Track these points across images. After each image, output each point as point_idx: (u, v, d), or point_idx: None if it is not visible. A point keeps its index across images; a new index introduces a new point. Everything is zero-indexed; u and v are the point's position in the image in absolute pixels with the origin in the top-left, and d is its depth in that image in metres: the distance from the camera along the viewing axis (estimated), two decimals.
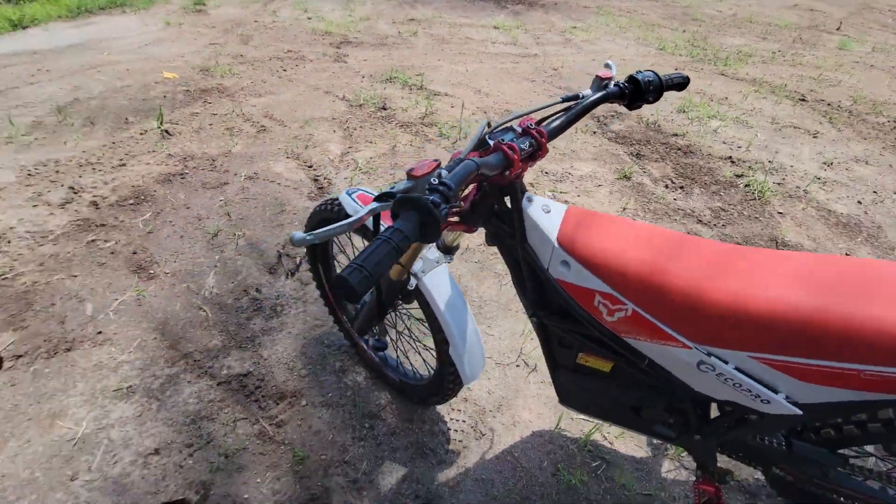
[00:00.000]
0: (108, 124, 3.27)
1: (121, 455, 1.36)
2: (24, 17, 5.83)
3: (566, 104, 0.95)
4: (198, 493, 1.28)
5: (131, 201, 2.43)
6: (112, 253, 2.10)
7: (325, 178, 2.72)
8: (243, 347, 1.71)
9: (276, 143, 3.10)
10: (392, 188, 0.68)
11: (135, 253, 2.11)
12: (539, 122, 0.86)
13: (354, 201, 1.17)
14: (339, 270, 1.55)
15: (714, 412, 0.99)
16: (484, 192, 0.86)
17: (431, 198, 0.60)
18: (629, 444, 1.45)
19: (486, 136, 0.77)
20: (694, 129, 3.47)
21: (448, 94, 3.95)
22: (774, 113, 3.81)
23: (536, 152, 0.80)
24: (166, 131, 3.18)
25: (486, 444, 1.43)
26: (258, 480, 1.32)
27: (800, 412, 0.80)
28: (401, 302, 1.29)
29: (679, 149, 3.19)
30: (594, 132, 3.40)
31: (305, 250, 1.52)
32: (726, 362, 0.80)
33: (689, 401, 0.96)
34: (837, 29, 6.56)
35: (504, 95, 3.94)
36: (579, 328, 0.92)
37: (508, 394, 1.58)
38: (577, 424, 1.49)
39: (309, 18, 6.56)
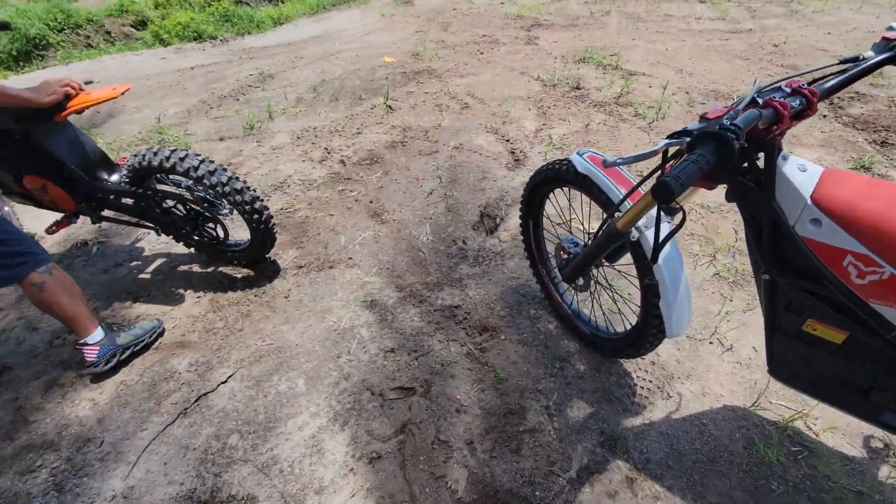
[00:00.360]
0: (347, 100, 4.00)
1: (368, 347, 1.79)
2: (281, 15, 7.31)
3: (843, 66, 0.95)
4: (422, 387, 1.63)
5: (367, 161, 3.00)
6: (356, 200, 2.65)
7: (520, 152, 2.95)
8: (453, 286, 2.04)
9: (477, 118, 3.43)
10: (686, 128, 0.83)
11: (371, 202, 2.62)
12: (811, 83, 0.90)
13: (585, 161, 1.33)
14: (550, 227, 1.75)
15: None
16: (718, 145, 0.93)
17: (727, 133, 0.73)
18: (839, 439, 1.36)
19: (756, 95, 0.85)
20: None
21: (645, 73, 3.82)
22: None
23: (805, 111, 0.85)
24: (389, 107, 3.76)
25: (673, 406, 1.50)
26: (467, 388, 1.62)
27: None
28: (605, 262, 1.42)
29: None
30: (824, 115, 2.96)
31: (521, 205, 1.75)
32: None
33: None
34: None
35: (710, 75, 3.65)
36: (819, 288, 0.94)
37: (699, 367, 1.61)
38: (777, 409, 1.45)
39: (502, 3, 6.85)
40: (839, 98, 3.13)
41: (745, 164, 0.94)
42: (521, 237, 1.87)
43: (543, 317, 1.85)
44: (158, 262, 2.32)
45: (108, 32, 7.15)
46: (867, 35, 4.23)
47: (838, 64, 0.96)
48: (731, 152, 0.73)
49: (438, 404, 1.57)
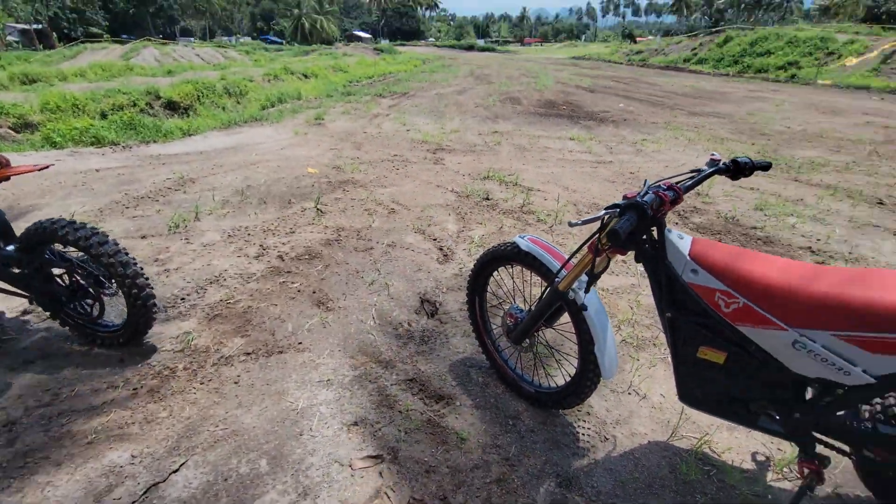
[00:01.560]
0: (276, 204, 4.21)
1: (330, 423, 1.83)
2: (190, 126, 7.53)
3: (692, 174, 1.47)
4: (389, 454, 1.70)
5: (306, 257, 3.15)
6: (299, 291, 2.75)
7: (448, 248, 3.34)
8: (404, 363, 2.20)
9: (404, 221, 3.83)
10: (616, 203, 1.23)
11: (314, 292, 2.75)
12: (677, 184, 1.38)
13: (528, 242, 1.71)
14: (490, 305, 2.04)
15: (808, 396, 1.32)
16: (633, 223, 1.35)
17: (643, 204, 1.12)
18: (735, 456, 1.71)
19: (648, 189, 1.30)
20: (772, 224, 3.82)
21: (540, 189, 4.64)
22: (852, 213, 4.09)
23: (677, 200, 1.31)
24: (320, 210, 4.03)
25: (610, 447, 1.75)
26: (433, 450, 1.72)
27: (874, 380, 1.14)
28: (544, 325, 1.75)
29: (759, 239, 3.54)
30: (675, 223, 3.85)
31: (468, 285, 2.05)
32: (814, 341, 1.17)
33: (788, 383, 1.30)
34: None
35: (589, 192, 4.56)
36: (702, 321, 1.33)
37: (624, 413, 1.91)
38: (688, 439, 1.78)
39: (408, 130, 7.84)
40: (683, 211, 4.10)
41: (645, 236, 1.36)
42: (468, 314, 2.14)
43: (491, 383, 2.06)
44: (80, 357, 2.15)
45: None
46: (691, 167, 5.65)
47: (689, 173, 1.48)
48: (645, 216, 1.12)
49: (408, 468, 1.64)
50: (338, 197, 4.43)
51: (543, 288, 1.69)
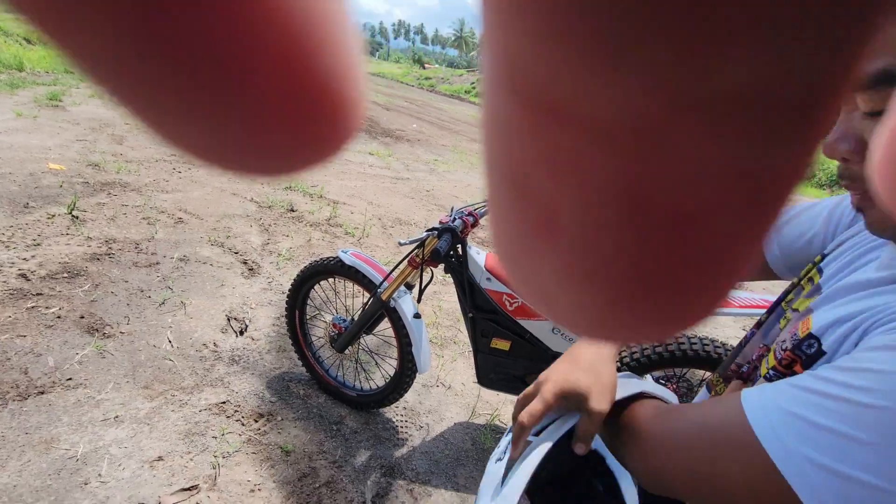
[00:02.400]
0: (4, 207, 3.26)
1: (126, 463, 1.59)
2: None
3: (485, 202, 1.84)
4: (206, 482, 1.59)
5: (64, 275, 2.57)
6: (58, 317, 2.24)
7: (253, 262, 3.18)
8: (214, 385, 2.04)
9: (196, 232, 3.46)
10: (434, 226, 1.45)
11: (82, 317, 2.28)
12: (476, 209, 1.72)
13: (350, 256, 1.83)
14: (308, 318, 2.09)
15: None
16: (450, 242, 1.63)
17: (455, 227, 1.38)
18: None
19: (455, 214, 1.59)
20: None
21: (345, 202, 4.78)
22: None
23: (475, 223, 1.64)
24: (76, 217, 3.31)
25: (425, 433, 2.01)
26: (256, 469, 1.68)
27: None
28: (364, 336, 1.91)
29: None
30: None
31: (288, 298, 2.04)
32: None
33: (550, 360, 1.76)
34: None
35: (392, 207, 4.92)
36: (494, 317, 1.69)
37: (433, 402, 2.20)
38: (483, 416, 2.17)
39: None
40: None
41: (452, 252, 1.66)
42: (286, 328, 2.13)
43: (313, 394, 2.10)
44: None
45: None
46: (476, 188, 6.60)
47: (483, 201, 1.86)
48: (457, 237, 1.40)
49: (231, 491, 1.57)
50: (102, 202, 3.69)
51: (366, 298, 1.85)
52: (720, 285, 0.09)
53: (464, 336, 2.75)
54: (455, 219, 1.57)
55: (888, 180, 0.13)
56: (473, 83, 29.78)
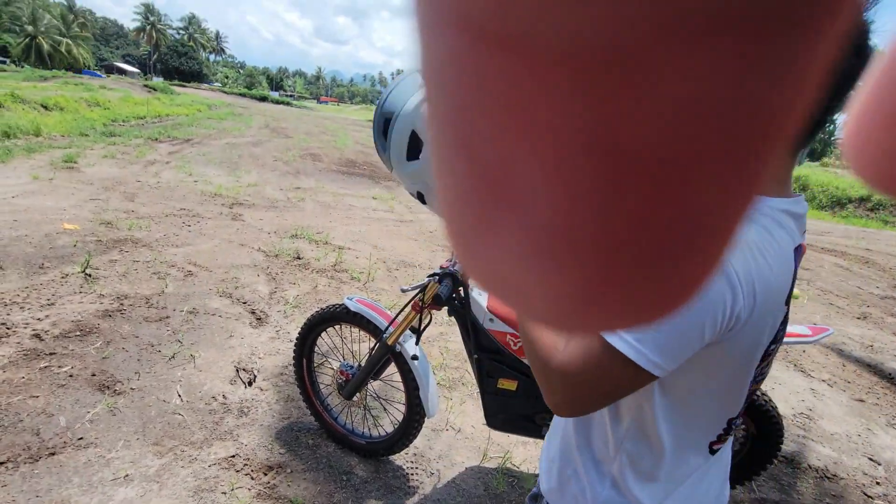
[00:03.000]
0: (21, 269, 3.36)
1: None
2: None
3: None
4: None
5: (77, 333, 2.62)
6: (70, 376, 2.27)
7: (261, 311, 3.22)
8: (223, 439, 2.04)
9: (206, 284, 3.53)
10: (435, 271, 1.49)
11: (94, 375, 2.31)
12: None
13: (356, 303, 1.87)
14: (315, 365, 2.11)
15: None
16: (451, 287, 1.67)
17: (455, 272, 1.42)
18: (529, 466, 2.13)
19: (454, 259, 1.63)
20: None
21: (350, 248, 4.85)
22: None
23: None
24: (89, 275, 3.39)
25: (436, 479, 1.98)
26: None
27: None
28: (372, 381, 1.92)
29: None
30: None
31: (295, 347, 2.07)
32: None
33: None
34: None
35: (397, 250, 4.99)
36: (499, 358, 1.70)
37: (444, 447, 2.17)
38: (495, 460, 2.13)
39: (195, 181, 7.20)
40: None
41: (454, 294, 1.69)
42: (294, 377, 2.15)
43: (322, 443, 2.08)
44: None
45: None
46: None
47: None
48: (458, 282, 1.44)
49: None
50: (114, 259, 3.79)
51: (373, 344, 1.87)
52: (714, 247, 0.07)
53: (472, 377, 2.73)
54: (455, 262, 1.61)
55: (854, 150, 0.14)
56: None
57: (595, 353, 0.58)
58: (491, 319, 1.67)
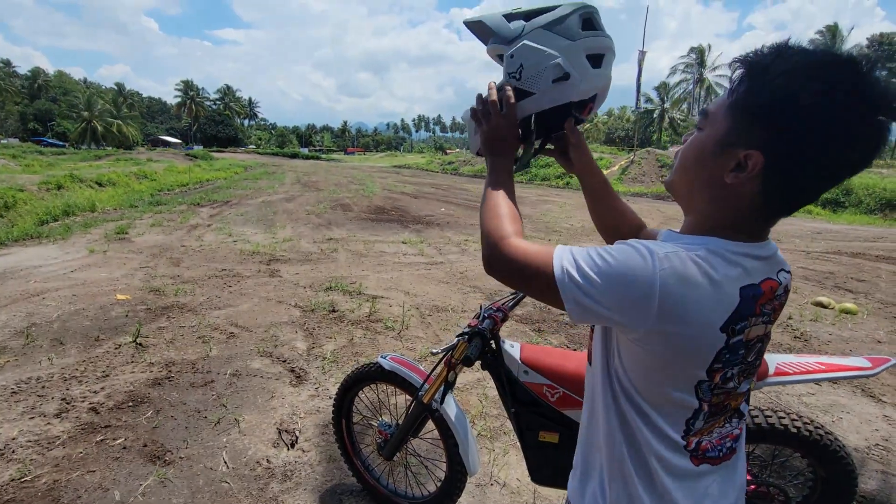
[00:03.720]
0: (79, 343, 3.57)
1: None
2: None
3: (513, 295, 1.88)
4: None
5: (129, 404, 2.73)
6: (124, 448, 2.35)
7: (300, 369, 3.27)
8: None
9: (247, 345, 3.63)
10: (463, 331, 1.50)
11: (145, 446, 2.38)
12: (503, 304, 1.76)
13: (390, 361, 1.88)
14: (355, 422, 2.11)
15: None
16: (480, 347, 1.66)
17: (483, 331, 1.42)
18: None
19: (484, 312, 1.64)
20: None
21: (383, 296, 4.92)
22: None
23: (505, 318, 1.68)
24: (140, 344, 3.56)
25: None
26: None
27: None
28: (411, 439, 1.90)
29: (566, 323, 4.34)
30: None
31: (334, 407, 2.08)
32: None
33: None
34: None
35: (429, 295, 5.01)
36: (537, 410, 1.66)
37: (489, 502, 2.10)
38: None
39: (234, 241, 7.55)
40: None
41: (486, 349, 1.68)
42: (334, 437, 2.15)
43: None
44: None
45: None
46: None
47: (511, 294, 1.90)
48: (486, 340, 1.44)
49: None
50: (161, 326, 3.97)
51: (409, 402, 1.86)
52: None
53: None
54: (484, 318, 1.62)
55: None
56: None
57: (543, 257, 0.74)
58: (525, 371, 1.65)
